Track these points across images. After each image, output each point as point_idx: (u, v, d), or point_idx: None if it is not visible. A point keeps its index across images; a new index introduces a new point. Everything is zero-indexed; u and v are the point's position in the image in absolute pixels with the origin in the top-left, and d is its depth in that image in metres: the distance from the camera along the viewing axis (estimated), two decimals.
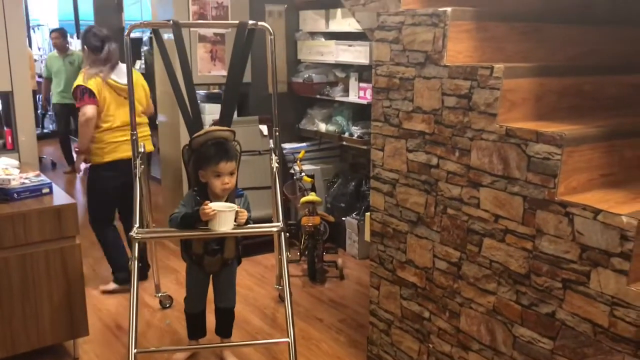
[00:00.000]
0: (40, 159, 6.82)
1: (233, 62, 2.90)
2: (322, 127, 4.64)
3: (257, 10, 4.49)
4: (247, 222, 2.63)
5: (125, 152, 3.52)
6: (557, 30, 2.53)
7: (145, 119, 3.82)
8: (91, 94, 3.52)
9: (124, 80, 3.53)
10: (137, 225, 2.62)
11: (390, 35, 2.50)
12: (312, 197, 4.05)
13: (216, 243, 2.79)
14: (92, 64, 3.61)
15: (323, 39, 4.59)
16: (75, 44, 7.87)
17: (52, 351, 3.03)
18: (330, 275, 4.07)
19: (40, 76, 7.74)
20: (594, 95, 2.37)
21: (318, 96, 4.64)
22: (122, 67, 3.64)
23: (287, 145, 4.71)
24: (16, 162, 3.32)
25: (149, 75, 4.96)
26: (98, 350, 3.13)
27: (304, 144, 4.75)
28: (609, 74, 2.46)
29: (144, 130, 3.73)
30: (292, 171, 4.42)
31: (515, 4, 2.56)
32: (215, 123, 2.96)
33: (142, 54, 6.88)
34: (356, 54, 4.24)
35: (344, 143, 4.50)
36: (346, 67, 4.51)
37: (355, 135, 4.34)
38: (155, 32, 2.94)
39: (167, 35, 3.58)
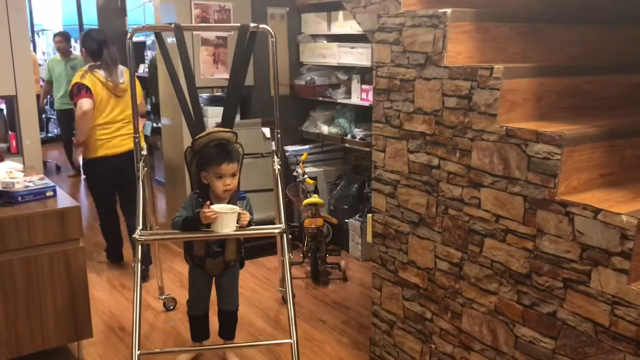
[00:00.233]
0: (45, 163, 6.85)
1: (235, 64, 2.91)
2: (325, 129, 4.65)
3: (259, 13, 4.51)
4: (249, 224, 2.64)
5: (115, 147, 3.89)
6: (558, 30, 2.54)
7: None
8: (87, 89, 3.74)
9: (119, 80, 3.84)
10: (140, 227, 2.63)
11: (390, 37, 2.52)
12: (314, 199, 4.06)
13: (218, 245, 2.80)
14: (90, 65, 3.84)
15: (325, 42, 4.61)
16: (78, 48, 7.90)
17: (56, 353, 3.04)
18: (334, 277, 4.08)
19: (43, 80, 7.78)
20: (594, 95, 2.38)
21: (320, 98, 4.65)
22: (120, 68, 3.89)
23: (289, 148, 4.72)
24: (20, 166, 3.34)
25: (152, 78, 4.99)
26: (102, 352, 3.14)
27: (306, 147, 4.76)
28: (609, 73, 2.46)
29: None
30: (294, 173, 4.43)
31: (515, 5, 2.57)
32: (217, 126, 2.98)
33: (145, 57, 6.91)
34: (358, 56, 4.26)
35: (347, 145, 4.51)
36: (348, 70, 4.52)
37: (358, 137, 4.35)
38: (158, 36, 2.96)
39: (171, 39, 3.60)
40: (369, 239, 2.84)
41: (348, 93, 4.48)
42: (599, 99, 2.39)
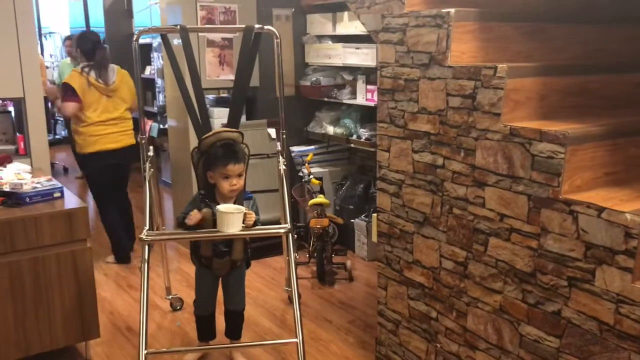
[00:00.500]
0: (53, 165, 6.90)
1: (240, 65, 2.93)
2: (330, 129, 4.66)
3: (264, 15, 4.53)
4: (255, 224, 2.65)
5: (110, 143, 4.16)
6: (562, 29, 2.54)
7: (129, 115, 4.30)
8: (73, 92, 3.99)
9: (109, 81, 4.11)
10: (147, 227, 2.65)
11: (394, 37, 2.53)
12: (320, 199, 4.07)
13: (224, 245, 2.81)
14: (83, 65, 4.09)
15: (330, 42, 4.62)
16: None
17: (64, 353, 3.07)
18: (339, 277, 4.09)
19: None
20: (597, 94, 2.38)
21: (326, 99, 4.66)
22: (112, 67, 4.18)
23: (295, 148, 4.74)
24: (28, 167, 3.37)
25: None
26: (109, 351, 3.16)
27: (312, 147, 4.78)
28: (614, 72, 2.46)
29: (128, 125, 4.29)
30: (300, 174, 4.44)
31: (519, 4, 2.58)
32: (223, 127, 3.00)
33: (152, 59, 6.94)
34: (363, 56, 4.27)
35: (352, 145, 4.52)
36: (353, 70, 4.53)
37: (363, 138, 4.36)
38: (164, 38, 2.98)
39: (177, 41, 3.62)
40: (374, 238, 2.85)
41: (353, 93, 4.48)
42: (602, 98, 2.39)
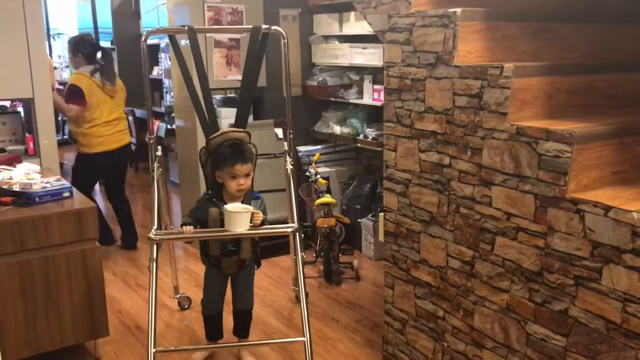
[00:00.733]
0: (61, 165, 6.92)
1: (247, 66, 2.95)
2: (337, 129, 4.68)
3: (271, 15, 4.54)
4: (262, 224, 2.67)
5: (113, 143, 4.33)
6: (568, 29, 2.54)
7: (124, 115, 4.53)
8: (81, 95, 4.13)
9: (114, 81, 4.30)
10: (155, 227, 2.67)
11: (401, 37, 2.53)
12: (327, 199, 4.08)
13: (232, 244, 2.83)
14: (86, 67, 4.22)
15: (337, 42, 4.63)
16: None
17: (74, 351, 3.09)
18: (346, 276, 4.10)
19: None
20: (604, 93, 2.38)
21: (332, 99, 4.67)
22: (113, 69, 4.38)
23: (302, 148, 4.75)
24: (37, 167, 3.39)
25: None
26: (118, 350, 3.19)
27: (319, 147, 4.79)
28: (621, 72, 2.46)
29: (126, 124, 4.51)
30: (307, 174, 4.46)
31: (526, 4, 2.58)
32: (231, 127, 3.02)
33: (159, 60, 6.97)
34: (370, 56, 4.28)
35: (359, 145, 4.53)
36: (360, 70, 4.54)
37: (370, 137, 4.37)
38: (172, 38, 3.00)
39: (185, 42, 3.65)
40: (381, 237, 2.86)
41: (360, 93, 4.49)
42: (609, 97, 2.39)
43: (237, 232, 2.57)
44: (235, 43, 4.43)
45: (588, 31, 2.59)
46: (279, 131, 4.43)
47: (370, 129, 4.41)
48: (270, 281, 4.05)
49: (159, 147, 3.05)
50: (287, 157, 3.10)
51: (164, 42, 6.51)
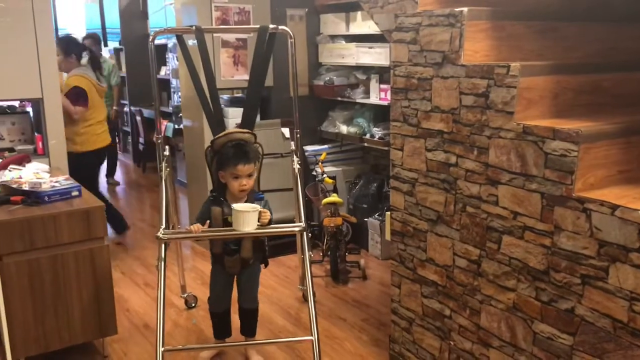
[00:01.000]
0: None
1: (254, 65, 2.96)
2: (344, 129, 4.68)
3: (278, 15, 4.56)
4: (269, 223, 2.69)
5: (104, 141, 4.59)
6: (575, 28, 2.54)
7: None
8: (85, 97, 4.32)
9: (101, 81, 4.57)
10: (163, 226, 2.69)
11: (407, 36, 2.54)
12: (333, 198, 4.09)
13: (234, 243, 2.85)
14: (80, 68, 4.40)
15: (344, 42, 4.64)
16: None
17: (82, 349, 3.12)
18: (353, 275, 4.11)
19: None
20: (611, 92, 2.38)
21: (339, 98, 4.68)
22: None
23: (308, 148, 4.76)
24: (46, 167, 3.42)
25: None
26: (126, 348, 3.21)
27: (325, 146, 4.80)
28: (627, 70, 2.46)
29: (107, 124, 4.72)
30: (314, 173, 4.47)
31: (532, 3, 2.58)
32: (238, 127, 3.04)
33: (167, 60, 7.00)
34: (376, 56, 4.28)
35: (366, 144, 4.54)
36: (367, 69, 4.55)
37: (377, 137, 4.37)
38: (179, 38, 3.01)
39: (192, 42, 3.67)
40: (388, 237, 2.87)
41: (367, 93, 4.50)
42: (615, 96, 2.39)
43: (245, 232, 2.59)
44: (243, 43, 4.44)
45: (594, 30, 2.58)
46: (286, 131, 4.45)
47: (376, 129, 4.41)
48: (276, 280, 4.06)
49: (167, 147, 3.07)
50: (294, 156, 3.11)
51: (172, 42, 6.54)
